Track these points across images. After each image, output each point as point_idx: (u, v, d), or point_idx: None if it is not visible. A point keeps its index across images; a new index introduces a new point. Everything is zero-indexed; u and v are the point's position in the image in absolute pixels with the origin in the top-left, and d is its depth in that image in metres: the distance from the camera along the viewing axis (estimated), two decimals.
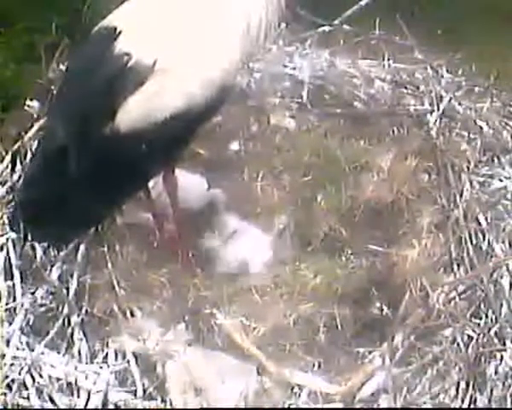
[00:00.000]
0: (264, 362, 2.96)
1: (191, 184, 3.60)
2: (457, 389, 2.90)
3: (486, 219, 3.52)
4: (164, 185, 3.33)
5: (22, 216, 3.13)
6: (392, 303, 3.20)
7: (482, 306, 3.17)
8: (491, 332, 3.05)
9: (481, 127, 4.10)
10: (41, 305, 3.14)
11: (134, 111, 2.97)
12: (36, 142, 3.79)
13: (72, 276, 3.23)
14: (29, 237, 3.14)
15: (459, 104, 4.24)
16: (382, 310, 3.19)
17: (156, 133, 3.00)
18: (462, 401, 2.88)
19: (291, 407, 2.88)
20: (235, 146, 4.00)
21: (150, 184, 3.34)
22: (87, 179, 2.98)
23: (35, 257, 3.27)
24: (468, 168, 3.81)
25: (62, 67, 4.16)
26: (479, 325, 3.10)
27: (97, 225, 3.25)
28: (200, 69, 3.02)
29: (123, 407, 2.84)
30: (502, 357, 2.99)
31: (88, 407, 2.82)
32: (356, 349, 3.07)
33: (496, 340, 3.04)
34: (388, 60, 4.50)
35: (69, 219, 3.07)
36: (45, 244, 3.26)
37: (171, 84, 2.98)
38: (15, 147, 3.74)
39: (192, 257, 3.43)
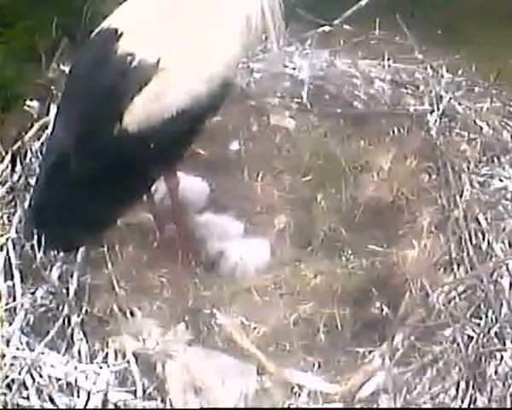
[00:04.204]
0: (264, 362, 2.96)
1: (192, 186, 3.61)
2: (457, 389, 2.90)
3: (486, 219, 3.52)
4: (166, 185, 3.33)
5: (33, 222, 3.14)
6: (392, 303, 3.19)
7: (482, 306, 3.16)
8: (491, 332, 3.05)
9: (481, 127, 4.10)
10: (41, 305, 3.14)
11: (141, 111, 2.98)
12: (36, 142, 3.81)
13: (72, 276, 3.23)
14: (42, 244, 3.14)
15: (459, 104, 4.24)
16: (382, 310, 3.19)
17: (163, 132, 3.01)
18: (462, 401, 2.88)
19: (291, 407, 2.87)
20: (235, 146, 4.01)
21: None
22: (96, 182, 2.99)
23: (35, 257, 3.26)
24: (468, 168, 3.82)
25: (62, 67, 4.17)
26: (479, 324, 3.10)
27: (107, 227, 3.25)
28: (202, 65, 3.03)
29: (123, 407, 2.84)
30: (502, 357, 2.99)
31: (88, 407, 2.81)
32: (356, 349, 3.07)
33: (496, 340, 3.04)
34: (388, 60, 4.51)
35: (79, 224, 3.08)
36: (56, 250, 3.25)
37: (175, 82, 2.99)
38: (15, 147, 3.74)
39: (192, 257, 3.43)
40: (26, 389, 2.86)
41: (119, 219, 3.33)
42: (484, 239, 3.45)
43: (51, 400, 2.85)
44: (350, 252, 3.48)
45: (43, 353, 2.94)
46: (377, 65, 4.50)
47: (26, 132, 3.84)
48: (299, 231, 3.59)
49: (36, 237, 3.12)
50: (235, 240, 3.52)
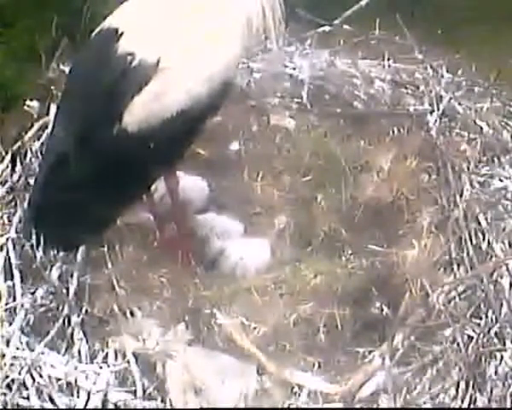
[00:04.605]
0: (264, 362, 2.96)
1: (192, 186, 3.61)
2: (457, 389, 2.90)
3: (486, 219, 3.52)
4: (165, 185, 3.33)
5: (32, 221, 3.14)
6: (392, 303, 3.19)
7: (482, 306, 3.16)
8: (491, 332, 3.05)
9: (481, 127, 4.10)
10: (41, 305, 3.14)
11: (141, 111, 2.98)
12: (36, 142, 3.81)
13: (72, 276, 3.23)
14: (41, 243, 3.14)
15: (459, 104, 4.24)
16: (382, 310, 3.19)
17: (163, 132, 3.01)
18: (462, 401, 2.88)
19: (291, 407, 2.87)
20: (235, 146, 4.01)
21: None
22: (96, 182, 2.99)
23: (35, 257, 3.26)
24: (468, 168, 3.82)
25: (62, 67, 4.17)
26: (479, 324, 3.10)
27: (107, 227, 3.25)
28: (202, 65, 3.03)
29: (123, 407, 2.84)
30: (502, 357, 2.99)
31: (88, 407, 2.82)
32: (356, 349, 3.07)
33: (496, 340, 3.04)
34: (388, 60, 4.51)
35: (79, 223, 3.08)
36: (56, 249, 3.25)
37: (175, 81, 2.99)
38: (15, 147, 3.74)
39: (192, 257, 3.43)
40: (26, 389, 2.86)
41: (119, 219, 3.33)
42: (484, 239, 3.45)
43: (51, 400, 2.85)
44: (350, 252, 3.48)
45: (43, 353, 2.94)
46: (377, 65, 4.51)
47: (26, 132, 3.84)
48: (299, 231, 3.59)
49: (35, 236, 3.12)
50: (235, 240, 3.52)
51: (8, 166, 3.67)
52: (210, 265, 3.44)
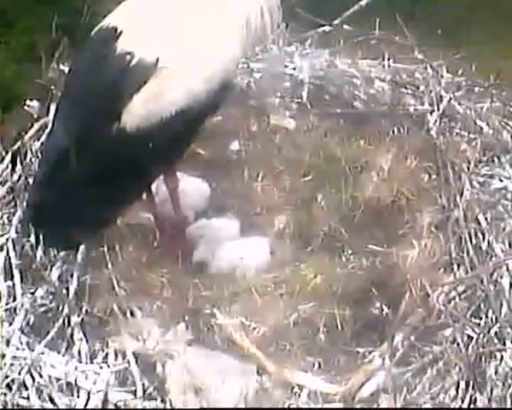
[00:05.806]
0: (264, 362, 2.96)
1: (193, 188, 3.61)
2: (457, 389, 2.90)
3: (486, 219, 3.52)
4: (165, 185, 3.33)
5: (31, 220, 3.14)
6: (392, 303, 3.19)
7: (482, 306, 3.16)
8: (491, 332, 3.04)
9: (481, 127, 4.11)
10: (41, 305, 3.14)
11: (139, 110, 2.99)
12: (36, 142, 3.81)
13: (72, 276, 3.23)
14: (40, 242, 3.15)
15: (459, 104, 4.24)
16: (382, 310, 3.19)
17: (162, 131, 3.01)
18: (462, 401, 2.88)
19: (291, 407, 2.87)
20: (235, 146, 4.01)
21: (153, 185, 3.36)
22: (94, 181, 2.99)
23: (35, 257, 3.27)
24: (468, 168, 3.81)
25: (62, 67, 4.17)
26: (479, 324, 3.10)
27: (106, 226, 3.25)
28: (201, 65, 3.04)
29: (123, 407, 2.84)
30: (502, 357, 2.98)
31: (88, 407, 2.81)
32: (356, 349, 3.07)
33: (496, 340, 3.04)
34: (388, 60, 4.51)
35: (78, 222, 3.08)
36: (56, 249, 3.25)
37: (174, 81, 3.00)
38: (15, 147, 3.75)
39: (192, 257, 3.43)
40: (26, 389, 2.86)
41: (119, 219, 3.33)
42: (484, 239, 3.44)
43: (51, 400, 2.85)
44: (350, 252, 3.48)
45: (43, 353, 2.94)
46: (377, 65, 4.51)
47: (26, 132, 3.84)
48: (299, 231, 3.59)
49: (34, 235, 3.13)
50: (235, 240, 3.52)
51: (8, 167, 3.68)
52: (200, 269, 3.43)
